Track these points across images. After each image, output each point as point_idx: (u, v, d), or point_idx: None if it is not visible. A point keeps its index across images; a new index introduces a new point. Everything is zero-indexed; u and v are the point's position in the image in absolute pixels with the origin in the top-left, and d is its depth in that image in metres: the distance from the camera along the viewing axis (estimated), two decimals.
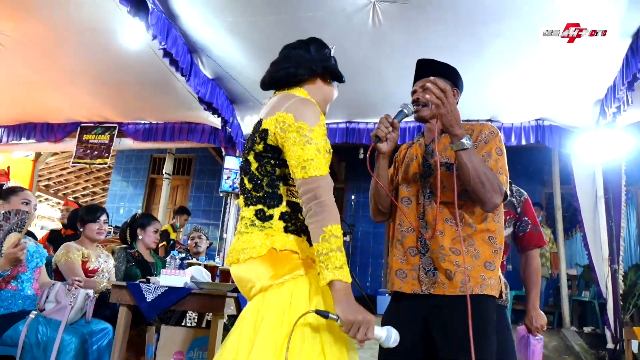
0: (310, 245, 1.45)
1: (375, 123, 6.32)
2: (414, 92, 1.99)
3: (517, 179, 2.61)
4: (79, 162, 7.09)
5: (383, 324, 1.63)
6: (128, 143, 7.16)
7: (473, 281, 1.73)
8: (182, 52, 4.72)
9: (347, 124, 6.28)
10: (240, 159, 5.88)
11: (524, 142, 5.77)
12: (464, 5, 3.97)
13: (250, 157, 1.55)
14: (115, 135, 6.98)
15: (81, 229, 3.33)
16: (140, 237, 3.66)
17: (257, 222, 1.50)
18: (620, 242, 4.98)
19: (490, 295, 1.76)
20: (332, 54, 1.75)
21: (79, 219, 3.36)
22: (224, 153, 6.82)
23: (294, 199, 1.53)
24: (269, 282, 1.43)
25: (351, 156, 7.27)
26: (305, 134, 1.44)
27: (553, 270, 6.97)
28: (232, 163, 6.65)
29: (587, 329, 6.00)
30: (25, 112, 7.05)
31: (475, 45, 4.47)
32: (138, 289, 2.45)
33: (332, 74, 1.72)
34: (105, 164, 7.00)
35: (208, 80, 5.38)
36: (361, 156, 6.84)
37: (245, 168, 1.59)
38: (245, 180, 1.57)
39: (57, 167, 12.22)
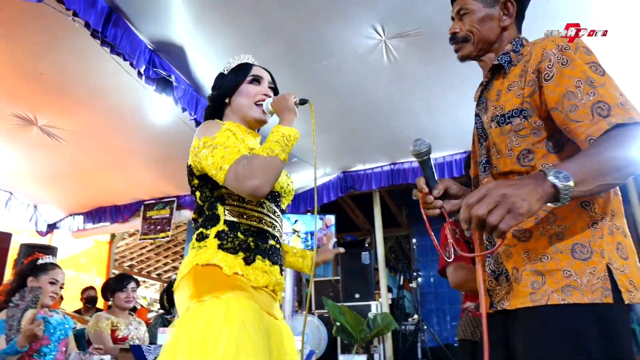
0: (247, 264, 1.48)
1: None
2: (453, 19, 1.54)
3: None
4: (145, 239, 7.45)
5: None
6: (187, 214, 7.44)
7: (551, 282, 1.13)
8: None
9: (392, 166, 6.16)
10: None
11: None
12: None
13: (196, 194, 1.64)
14: (174, 209, 7.29)
15: (111, 299, 3.45)
16: None
17: (195, 244, 1.55)
18: None
19: (582, 304, 1.09)
20: (240, 62, 1.79)
21: (109, 289, 3.48)
22: None
23: (234, 218, 1.55)
24: (188, 301, 1.43)
25: (407, 198, 7.04)
26: (210, 144, 1.51)
27: None
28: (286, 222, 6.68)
29: None
30: (95, 197, 7.58)
31: None
32: (140, 350, 2.48)
33: (224, 93, 1.75)
34: (167, 237, 7.30)
35: None
36: (414, 197, 6.64)
37: (195, 207, 1.66)
38: (194, 215, 1.65)
39: (137, 246, 12.85)
